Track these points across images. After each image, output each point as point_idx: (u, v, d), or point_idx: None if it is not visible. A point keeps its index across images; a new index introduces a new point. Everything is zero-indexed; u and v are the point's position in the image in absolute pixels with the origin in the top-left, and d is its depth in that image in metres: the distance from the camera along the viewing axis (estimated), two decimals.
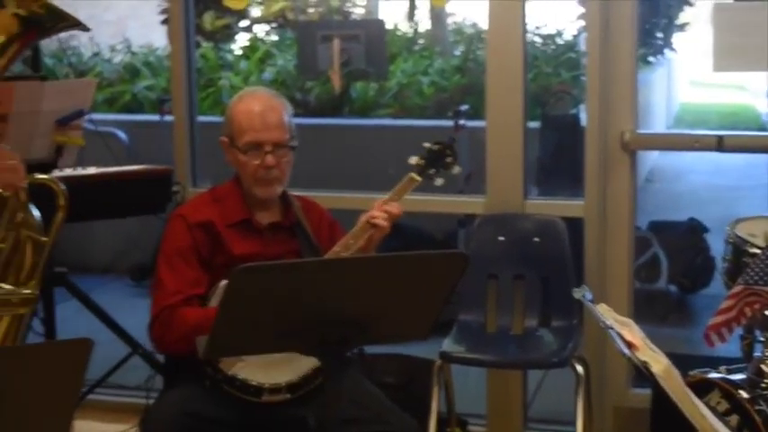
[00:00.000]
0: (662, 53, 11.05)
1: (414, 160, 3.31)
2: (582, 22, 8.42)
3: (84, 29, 2.57)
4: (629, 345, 2.20)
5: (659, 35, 10.33)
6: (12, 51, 2.55)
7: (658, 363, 2.20)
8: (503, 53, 4.20)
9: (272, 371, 3.07)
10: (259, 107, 3.23)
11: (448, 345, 3.89)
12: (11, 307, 2.72)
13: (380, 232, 3.16)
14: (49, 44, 3.13)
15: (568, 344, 3.88)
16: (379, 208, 3.18)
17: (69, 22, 2.57)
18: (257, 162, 3.20)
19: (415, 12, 8.36)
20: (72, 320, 4.71)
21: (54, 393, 2.12)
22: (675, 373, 2.23)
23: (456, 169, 3.35)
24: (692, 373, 3.14)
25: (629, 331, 2.23)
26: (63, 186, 2.76)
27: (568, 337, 3.93)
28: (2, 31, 2.51)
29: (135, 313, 4.51)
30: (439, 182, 3.34)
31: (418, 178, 3.28)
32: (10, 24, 2.51)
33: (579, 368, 3.81)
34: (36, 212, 2.76)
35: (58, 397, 2.13)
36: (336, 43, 4.55)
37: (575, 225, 4.22)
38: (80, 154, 4.06)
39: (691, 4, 10.85)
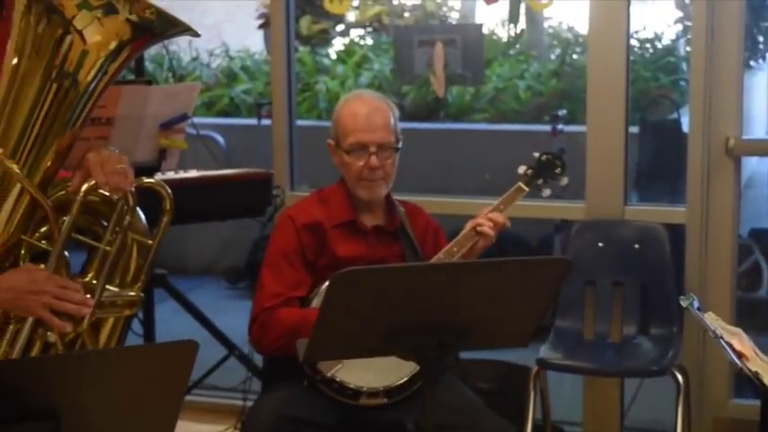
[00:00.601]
0: (764, 57, 10.83)
1: (522, 170, 3.30)
2: (680, 26, 8.31)
3: (195, 34, 2.59)
4: (740, 355, 2.16)
5: (760, 38, 10.12)
6: (123, 57, 2.58)
7: None
8: (604, 57, 4.17)
9: (370, 374, 3.07)
10: (365, 109, 3.25)
11: (545, 351, 3.87)
12: (116, 309, 2.76)
13: (486, 241, 3.15)
14: (150, 49, 3.18)
15: (668, 352, 3.83)
16: (486, 216, 3.17)
17: (180, 28, 2.59)
18: (361, 163, 3.21)
19: (516, 15, 8.30)
20: (170, 322, 4.77)
21: (159, 394, 2.15)
22: None
23: (564, 180, 3.34)
24: None
25: (738, 341, 2.19)
26: (169, 190, 2.79)
27: (668, 346, 3.88)
28: (114, 36, 2.54)
29: (230, 315, 4.58)
30: (546, 192, 3.33)
31: (526, 188, 3.27)
32: (122, 30, 2.54)
33: (679, 377, 3.76)
34: (142, 215, 2.80)
35: (163, 397, 2.16)
36: (439, 48, 4.54)
37: (674, 231, 4.16)
38: (180, 157, 4.12)
39: None
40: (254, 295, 3.24)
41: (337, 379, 3.07)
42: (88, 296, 2.61)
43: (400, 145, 3.27)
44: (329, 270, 3.05)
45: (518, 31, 8.73)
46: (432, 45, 4.66)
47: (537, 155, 3.33)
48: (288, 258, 3.22)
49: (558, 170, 3.32)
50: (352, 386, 3.08)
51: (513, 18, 8.41)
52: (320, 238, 3.25)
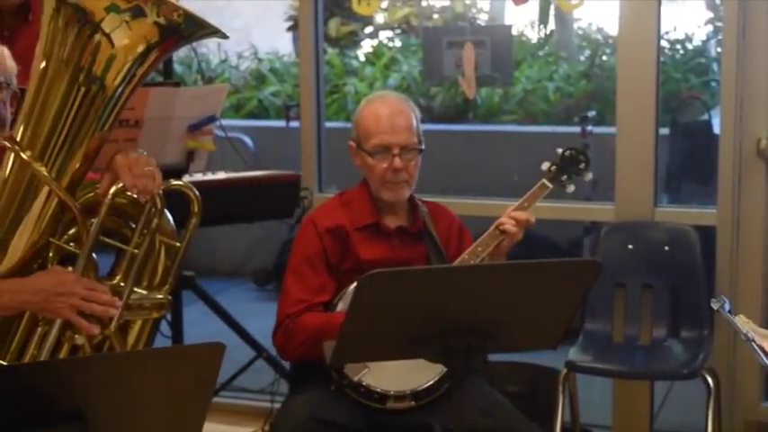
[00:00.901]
0: None
1: (545, 166, 3.28)
2: (711, 27, 8.25)
3: (223, 36, 2.59)
4: None
5: None
6: (151, 60, 2.58)
7: None
8: (634, 58, 4.14)
9: (397, 378, 3.07)
10: (387, 110, 3.23)
11: (574, 354, 3.85)
12: (144, 311, 2.76)
13: (510, 239, 3.13)
14: (178, 51, 3.18)
15: (699, 355, 3.80)
16: (508, 215, 3.16)
17: (208, 30, 2.59)
18: (385, 165, 3.20)
19: (545, 16, 8.27)
20: (198, 323, 4.79)
21: (187, 396, 2.15)
22: None
23: (588, 176, 3.31)
24: None
25: None
26: (197, 193, 2.79)
27: (698, 348, 3.85)
28: (141, 39, 2.55)
29: (258, 317, 4.58)
30: (570, 189, 3.30)
31: (550, 185, 3.24)
32: (150, 33, 2.54)
33: (709, 380, 3.73)
34: (170, 217, 2.80)
35: (190, 399, 2.16)
36: (468, 49, 4.52)
37: (705, 233, 4.13)
38: (208, 159, 4.13)
39: None
40: (278, 301, 3.23)
41: (364, 383, 3.07)
42: (116, 299, 2.62)
43: (423, 146, 3.25)
44: (353, 274, 3.04)
45: (547, 33, 8.69)
46: (460, 46, 4.64)
47: (560, 150, 3.31)
48: (311, 263, 3.21)
49: (581, 165, 3.30)
50: (378, 390, 3.07)
51: (543, 19, 8.38)
52: (343, 242, 3.24)
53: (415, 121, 3.25)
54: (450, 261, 3.26)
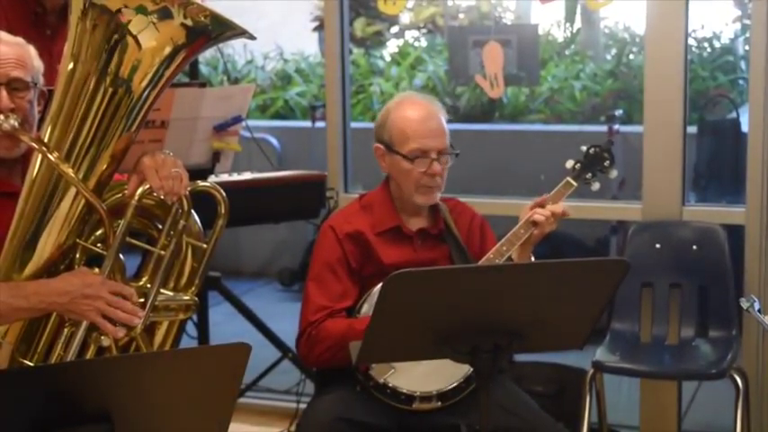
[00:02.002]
0: None
1: (570, 164, 3.25)
2: (739, 25, 8.21)
3: (251, 37, 2.58)
4: None
5: None
6: (178, 61, 2.58)
7: None
8: (661, 57, 4.12)
9: (423, 379, 3.06)
10: (421, 113, 3.20)
11: (601, 354, 3.83)
12: (171, 313, 2.77)
13: (541, 231, 3.11)
14: (205, 52, 3.19)
15: (727, 355, 3.77)
16: (537, 204, 3.13)
17: (235, 31, 2.58)
18: (423, 169, 3.16)
19: (572, 15, 8.25)
20: (224, 324, 4.80)
21: (213, 396, 2.16)
22: None
23: (613, 173, 3.28)
24: None
25: None
26: (224, 194, 2.79)
27: (727, 348, 3.82)
28: (168, 41, 2.55)
29: (284, 318, 4.58)
30: (595, 186, 3.27)
31: (574, 183, 3.22)
32: (177, 35, 2.54)
33: (738, 380, 3.71)
34: (197, 218, 2.80)
35: (216, 399, 2.17)
36: (488, 49, 4.50)
37: (733, 232, 4.10)
38: (234, 160, 4.13)
39: None
40: (301, 310, 3.21)
41: (390, 384, 3.06)
42: (141, 300, 2.63)
43: (457, 150, 3.23)
44: (377, 278, 3.01)
45: (574, 31, 8.66)
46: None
47: (584, 148, 3.29)
48: (332, 269, 3.18)
49: (606, 163, 3.27)
50: (404, 391, 3.06)
51: (569, 18, 8.35)
52: (363, 247, 3.21)
53: (445, 124, 3.23)
54: (474, 258, 3.25)
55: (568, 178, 3.23)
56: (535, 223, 3.10)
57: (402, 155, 3.18)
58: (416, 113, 3.20)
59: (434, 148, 3.16)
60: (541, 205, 3.14)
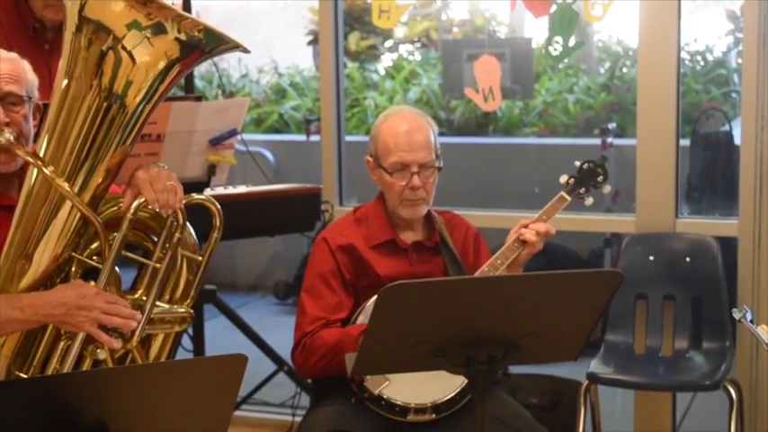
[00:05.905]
0: None
1: (564, 179, 3.27)
2: (731, 38, 8.24)
3: (245, 51, 2.59)
4: None
5: None
6: (173, 75, 2.59)
7: None
8: (654, 70, 4.14)
9: (417, 390, 3.06)
10: (405, 127, 3.21)
11: (596, 365, 3.84)
12: (166, 325, 2.77)
13: (530, 250, 3.13)
14: (200, 66, 3.20)
15: (721, 366, 3.78)
16: (527, 225, 3.14)
17: (229, 45, 2.59)
18: (403, 183, 3.19)
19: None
20: (219, 337, 4.81)
21: (209, 408, 2.17)
22: None
23: (607, 188, 3.31)
24: None
25: None
26: (219, 207, 2.80)
27: (721, 360, 3.83)
28: (162, 56, 2.56)
29: (279, 331, 4.59)
30: (589, 201, 3.29)
31: (568, 198, 3.24)
32: (171, 49, 2.55)
33: (732, 391, 3.72)
34: (192, 231, 2.81)
35: (213, 410, 2.17)
36: (480, 62, 4.50)
37: (726, 244, 4.12)
38: (229, 173, 4.14)
39: None
40: (296, 322, 3.22)
41: (384, 396, 3.07)
42: (137, 312, 2.64)
43: (441, 164, 3.24)
44: (372, 290, 3.03)
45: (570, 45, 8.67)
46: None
47: (578, 163, 3.31)
48: (325, 281, 3.20)
49: (599, 178, 3.29)
50: (399, 403, 3.07)
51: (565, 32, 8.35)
52: (356, 260, 3.23)
53: (432, 138, 3.23)
54: (468, 270, 3.26)
55: (562, 193, 3.25)
56: (524, 242, 3.12)
57: (384, 168, 3.20)
58: (401, 127, 3.21)
59: (414, 162, 3.17)
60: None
